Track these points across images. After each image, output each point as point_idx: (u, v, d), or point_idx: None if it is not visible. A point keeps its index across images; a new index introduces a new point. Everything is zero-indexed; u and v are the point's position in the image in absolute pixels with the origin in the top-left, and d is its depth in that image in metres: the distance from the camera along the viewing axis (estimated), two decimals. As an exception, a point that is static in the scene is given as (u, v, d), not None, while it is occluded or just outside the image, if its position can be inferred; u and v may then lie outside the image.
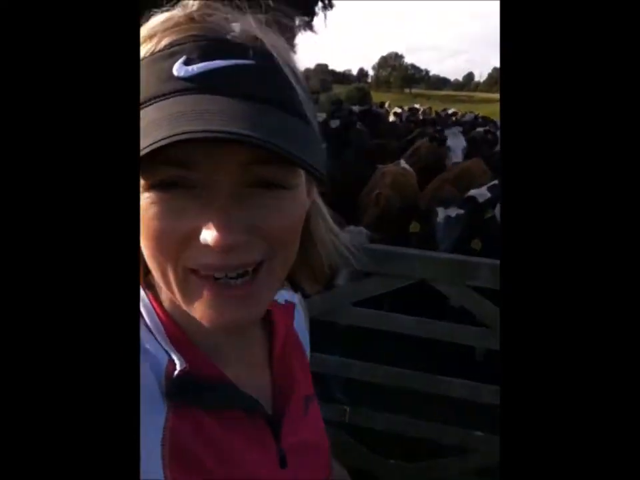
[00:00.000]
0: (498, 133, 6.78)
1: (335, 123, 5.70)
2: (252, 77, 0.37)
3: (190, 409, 0.44)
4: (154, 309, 0.47)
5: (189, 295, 0.40)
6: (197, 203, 0.37)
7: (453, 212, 2.73)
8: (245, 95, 0.36)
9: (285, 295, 0.61)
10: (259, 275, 0.40)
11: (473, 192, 2.97)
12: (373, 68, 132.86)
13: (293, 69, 0.41)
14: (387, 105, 17.38)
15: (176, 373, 0.43)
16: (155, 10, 0.40)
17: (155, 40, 0.38)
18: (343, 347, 2.25)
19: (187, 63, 0.37)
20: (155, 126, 0.33)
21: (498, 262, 1.57)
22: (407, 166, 4.09)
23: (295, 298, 0.64)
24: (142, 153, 0.32)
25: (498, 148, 5.70)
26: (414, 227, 2.82)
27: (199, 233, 0.36)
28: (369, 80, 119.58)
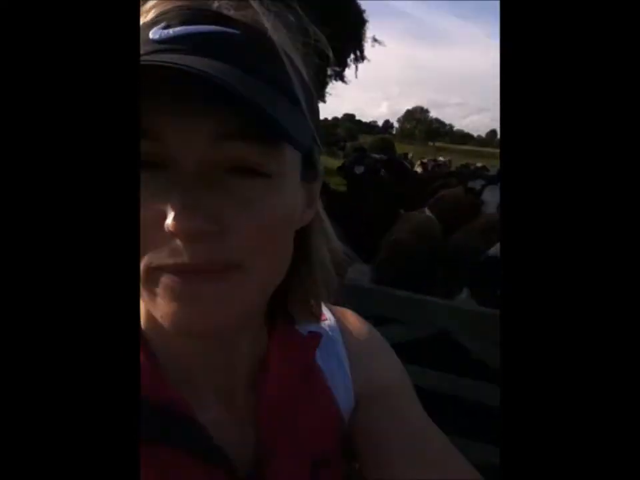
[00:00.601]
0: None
1: (359, 169, 5.76)
2: (234, 45, 0.33)
3: None
4: None
5: (153, 294, 0.34)
6: (161, 183, 0.32)
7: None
8: (220, 58, 0.32)
9: (312, 326, 0.50)
10: (231, 277, 0.34)
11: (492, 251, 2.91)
12: (398, 120, 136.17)
13: (289, 55, 0.37)
14: (410, 156, 17.69)
15: None
16: None
17: (144, 14, 0.35)
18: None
19: (165, 27, 0.33)
20: None
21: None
22: (430, 214, 4.08)
23: (329, 329, 0.52)
24: None
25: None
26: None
27: (164, 219, 0.32)
28: (394, 132, 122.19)
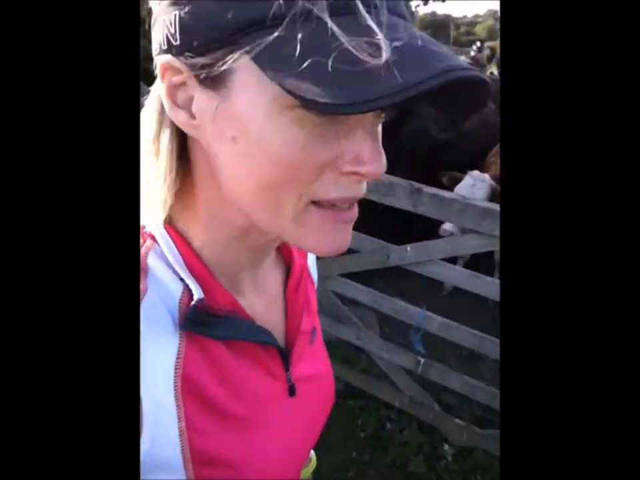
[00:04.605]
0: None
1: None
2: None
3: (202, 339, 0.43)
4: (173, 241, 0.44)
5: (304, 225, 0.38)
6: (342, 128, 0.35)
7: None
8: (401, 14, 0.34)
9: None
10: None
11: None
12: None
13: None
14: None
15: (192, 303, 0.42)
16: None
17: None
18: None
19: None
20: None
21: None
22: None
23: None
24: (375, 105, 0.29)
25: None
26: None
27: (338, 161, 0.35)
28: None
